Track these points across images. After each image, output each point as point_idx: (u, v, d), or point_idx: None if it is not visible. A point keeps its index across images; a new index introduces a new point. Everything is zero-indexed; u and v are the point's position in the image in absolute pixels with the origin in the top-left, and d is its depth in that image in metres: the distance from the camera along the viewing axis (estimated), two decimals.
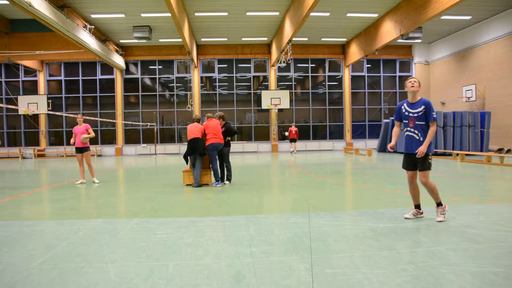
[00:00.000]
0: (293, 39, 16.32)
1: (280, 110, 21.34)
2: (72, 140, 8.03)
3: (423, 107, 3.89)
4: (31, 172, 12.10)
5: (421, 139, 3.89)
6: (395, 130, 4.23)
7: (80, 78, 21.63)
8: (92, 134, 8.11)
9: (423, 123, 3.89)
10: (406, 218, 4.09)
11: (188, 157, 7.22)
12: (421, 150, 3.80)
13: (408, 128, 3.97)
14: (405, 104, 4.04)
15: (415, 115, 3.89)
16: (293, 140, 18.38)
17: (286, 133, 18.85)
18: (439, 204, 4.02)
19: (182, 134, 21.97)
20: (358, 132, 22.85)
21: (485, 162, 11.21)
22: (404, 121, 4.05)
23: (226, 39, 20.41)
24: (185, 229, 3.88)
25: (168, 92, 22.41)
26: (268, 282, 2.45)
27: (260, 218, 4.41)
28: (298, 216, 4.39)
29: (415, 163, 3.97)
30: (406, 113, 3.97)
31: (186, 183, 7.44)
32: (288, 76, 22.43)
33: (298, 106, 22.55)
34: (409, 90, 3.96)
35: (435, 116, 3.86)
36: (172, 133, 22.27)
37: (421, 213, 4.18)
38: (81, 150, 8.08)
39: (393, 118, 17.85)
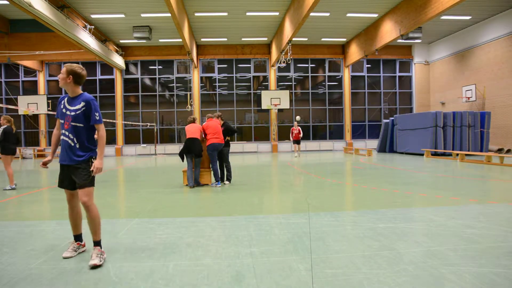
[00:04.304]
0: (293, 39, 16.33)
1: (280, 110, 21.34)
2: None
3: (83, 103, 2.94)
4: (31, 172, 12.09)
5: (78, 145, 2.94)
6: (55, 133, 3.15)
7: None
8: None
9: (82, 125, 2.95)
10: (65, 258, 3.01)
11: (184, 156, 7.20)
12: (98, 166, 2.92)
13: (63, 131, 2.97)
14: (66, 99, 3.01)
15: (73, 113, 2.93)
16: (296, 142, 15.81)
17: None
18: (97, 244, 2.96)
19: (182, 134, 21.97)
20: (358, 132, 22.86)
21: (485, 162, 11.21)
22: (61, 121, 3.00)
23: (226, 39, 20.41)
24: (185, 229, 3.88)
25: (168, 92, 22.41)
26: (268, 282, 2.45)
27: (260, 218, 4.41)
28: (298, 216, 4.39)
29: (72, 178, 2.98)
30: (64, 110, 2.97)
31: (186, 183, 7.44)
32: (288, 76, 22.44)
33: (298, 106, 22.54)
34: (60, 84, 3.03)
35: (97, 117, 2.98)
36: (172, 133, 22.27)
37: (83, 246, 3.20)
38: None
39: (392, 118, 18.10)
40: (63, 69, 2.95)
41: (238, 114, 22.29)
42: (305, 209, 4.84)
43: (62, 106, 2.98)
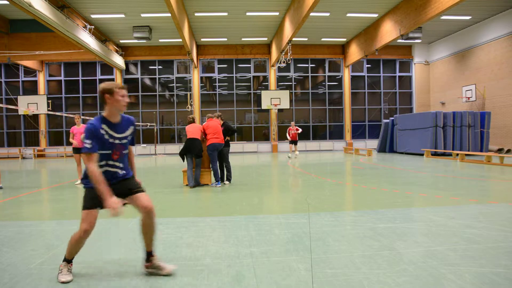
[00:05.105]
0: (293, 39, 16.32)
1: (280, 110, 21.34)
2: (70, 140, 8.06)
3: (132, 128, 2.68)
4: (31, 172, 12.10)
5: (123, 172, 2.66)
6: (98, 170, 2.41)
7: (80, 78, 21.64)
8: None
9: (127, 151, 2.68)
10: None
11: (185, 156, 7.21)
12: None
13: (109, 162, 2.55)
14: (106, 126, 2.50)
15: (125, 141, 2.61)
16: (293, 142, 15.20)
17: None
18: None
19: (182, 135, 21.98)
20: (358, 132, 22.86)
21: (485, 162, 11.21)
22: (103, 151, 2.50)
23: (226, 39, 20.41)
24: (185, 229, 3.88)
25: (168, 92, 22.41)
26: (268, 282, 2.45)
27: (260, 218, 4.41)
28: (298, 216, 4.39)
29: (130, 190, 2.63)
30: (112, 139, 2.52)
31: (186, 183, 7.44)
32: (288, 76, 22.43)
33: (298, 106, 22.54)
34: (123, 103, 2.54)
35: None
36: (172, 133, 22.27)
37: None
38: (78, 150, 8.08)
39: (392, 118, 18.07)
40: (126, 91, 2.59)
41: (238, 114, 22.28)
42: (305, 209, 4.84)
43: (106, 136, 2.48)
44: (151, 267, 2.63)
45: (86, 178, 2.52)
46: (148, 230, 2.61)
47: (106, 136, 2.48)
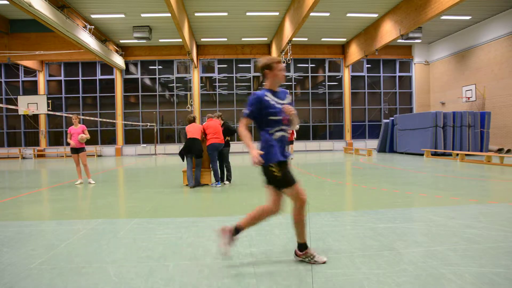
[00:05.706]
0: (293, 39, 16.33)
1: None
2: (68, 140, 8.07)
3: (289, 97, 2.92)
4: (31, 172, 12.09)
5: None
6: (248, 133, 2.69)
7: (80, 78, 21.64)
8: (88, 136, 8.08)
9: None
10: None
11: (184, 156, 7.21)
12: None
13: (283, 127, 2.78)
14: (269, 94, 2.76)
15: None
16: (289, 143, 15.13)
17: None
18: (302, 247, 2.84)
19: (182, 134, 21.97)
20: (358, 132, 22.86)
21: (485, 162, 11.21)
22: (273, 117, 2.72)
23: (226, 39, 20.41)
24: (185, 229, 3.88)
25: (168, 92, 22.41)
26: (268, 282, 2.45)
27: None
28: None
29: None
30: (277, 104, 2.76)
31: (186, 183, 7.44)
32: (288, 76, 22.43)
33: (298, 106, 22.53)
34: (281, 76, 2.80)
35: None
36: (172, 133, 22.27)
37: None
38: (77, 150, 8.08)
39: (392, 118, 18.05)
40: (283, 65, 2.84)
41: (238, 114, 22.27)
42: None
43: (272, 102, 2.72)
44: (305, 255, 2.80)
45: (269, 159, 2.65)
46: (301, 220, 2.74)
47: (272, 102, 2.73)
